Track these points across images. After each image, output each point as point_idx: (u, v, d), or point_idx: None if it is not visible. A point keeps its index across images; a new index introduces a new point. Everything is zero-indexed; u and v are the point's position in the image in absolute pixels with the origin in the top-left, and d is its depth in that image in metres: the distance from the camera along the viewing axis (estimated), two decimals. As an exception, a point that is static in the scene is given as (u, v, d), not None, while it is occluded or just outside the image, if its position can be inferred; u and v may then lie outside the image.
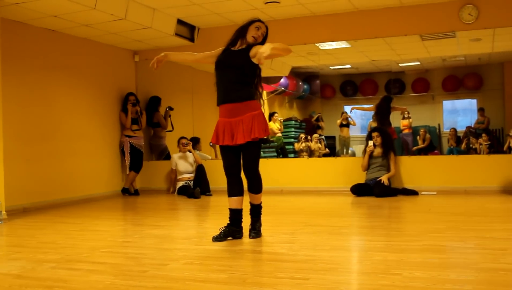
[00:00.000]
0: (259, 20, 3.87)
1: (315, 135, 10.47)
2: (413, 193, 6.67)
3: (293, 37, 7.31)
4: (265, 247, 3.64)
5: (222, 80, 3.82)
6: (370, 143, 6.97)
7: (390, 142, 7.10)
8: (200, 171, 7.56)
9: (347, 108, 11.32)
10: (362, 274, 2.87)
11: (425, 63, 11.06)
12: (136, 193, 7.93)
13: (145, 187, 8.30)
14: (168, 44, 7.76)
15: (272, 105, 11.32)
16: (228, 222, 3.86)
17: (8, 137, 5.78)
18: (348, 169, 7.36)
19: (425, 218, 4.88)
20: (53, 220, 5.38)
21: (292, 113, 12.05)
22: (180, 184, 7.63)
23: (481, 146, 9.36)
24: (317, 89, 12.12)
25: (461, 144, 10.20)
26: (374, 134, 7.04)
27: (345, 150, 10.54)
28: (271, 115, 10.60)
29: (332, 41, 7.84)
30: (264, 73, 4.03)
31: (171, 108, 8.54)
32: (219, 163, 4.17)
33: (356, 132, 11.49)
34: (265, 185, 3.91)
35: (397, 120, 10.07)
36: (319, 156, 9.98)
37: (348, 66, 11.45)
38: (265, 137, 3.88)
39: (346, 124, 10.64)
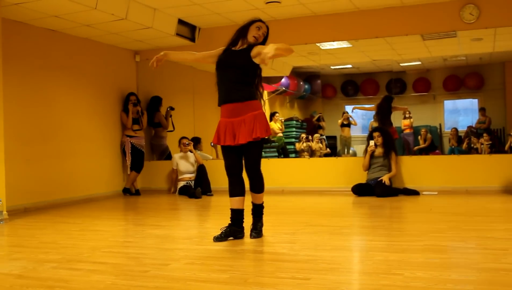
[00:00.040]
0: (260, 20, 3.87)
1: (316, 135, 10.47)
2: (414, 193, 6.66)
3: (294, 37, 7.30)
4: (266, 247, 3.64)
5: (223, 80, 3.81)
6: (371, 143, 6.97)
7: (391, 142, 7.10)
8: (201, 171, 7.56)
9: (348, 108, 11.34)
10: (363, 274, 2.87)
11: (426, 62, 11.06)
12: (137, 193, 7.93)
13: (146, 187, 8.30)
14: (169, 44, 7.77)
15: (273, 105, 11.32)
16: (230, 222, 3.86)
17: (9, 137, 5.78)
18: (349, 169, 7.35)
19: (426, 218, 4.88)
20: (54, 220, 5.38)
21: (293, 113, 12.06)
22: (181, 184, 7.63)
23: (482, 146, 9.36)
24: (318, 89, 12.12)
25: (462, 144, 10.19)
26: (375, 134, 7.03)
27: (346, 150, 10.54)
28: (272, 115, 10.61)
29: (333, 41, 7.84)
30: (265, 73, 4.03)
31: (172, 108, 8.54)
32: (220, 163, 4.18)
33: (357, 132, 11.50)
34: (266, 185, 3.91)
35: (398, 120, 10.07)
36: (320, 156, 9.99)
37: (349, 66, 11.45)
38: (267, 137, 3.88)
39: (347, 124, 10.65)
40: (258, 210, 3.92)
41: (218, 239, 3.75)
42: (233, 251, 3.47)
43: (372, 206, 5.86)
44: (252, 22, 3.85)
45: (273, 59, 7.99)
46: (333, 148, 10.93)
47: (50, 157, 6.73)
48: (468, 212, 5.20)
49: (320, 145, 10.32)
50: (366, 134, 8.38)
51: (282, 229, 4.32)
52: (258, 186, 3.85)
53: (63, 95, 7.05)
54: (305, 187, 7.54)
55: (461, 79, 11.42)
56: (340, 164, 7.63)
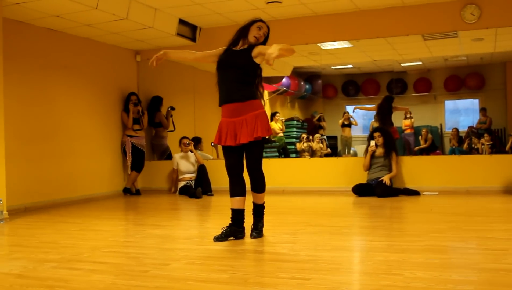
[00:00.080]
0: (261, 20, 3.87)
1: (317, 135, 10.48)
2: (414, 193, 6.66)
3: (295, 37, 7.30)
4: (267, 247, 3.63)
5: (224, 80, 3.81)
6: (372, 143, 6.97)
7: (392, 142, 7.09)
8: (201, 171, 7.56)
9: (349, 108, 11.34)
10: (363, 274, 2.87)
11: (427, 63, 11.06)
12: (138, 193, 7.93)
13: (146, 187, 8.30)
14: (170, 44, 7.76)
15: (274, 105, 11.32)
16: (230, 222, 3.86)
17: (9, 136, 5.78)
18: (350, 169, 7.35)
19: (426, 218, 4.88)
20: (54, 220, 5.38)
21: (294, 113, 12.06)
22: (181, 184, 7.63)
23: (483, 146, 9.35)
24: (319, 89, 12.13)
25: (463, 144, 10.19)
26: (376, 134, 7.03)
27: (346, 150, 10.55)
28: (273, 115, 10.61)
29: (334, 41, 7.83)
30: (265, 73, 4.03)
31: (172, 108, 8.54)
32: (221, 163, 4.17)
33: (358, 132, 11.51)
34: (267, 185, 3.91)
35: (399, 120, 10.07)
36: (320, 156, 9.99)
37: (350, 66, 11.45)
38: (267, 137, 3.88)
39: (348, 124, 10.65)
40: (259, 210, 3.92)
41: (218, 239, 3.75)
42: (233, 251, 3.47)
43: (372, 206, 5.85)
44: (253, 22, 3.85)
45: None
46: (334, 148, 10.94)
47: (50, 157, 6.74)
48: (468, 213, 5.20)
49: (321, 145, 10.33)
50: (366, 134, 8.39)
51: (282, 229, 4.32)
52: (259, 186, 3.85)
53: (63, 94, 7.05)
54: (305, 187, 7.53)
55: (462, 79, 11.42)
56: (340, 164, 7.63)
